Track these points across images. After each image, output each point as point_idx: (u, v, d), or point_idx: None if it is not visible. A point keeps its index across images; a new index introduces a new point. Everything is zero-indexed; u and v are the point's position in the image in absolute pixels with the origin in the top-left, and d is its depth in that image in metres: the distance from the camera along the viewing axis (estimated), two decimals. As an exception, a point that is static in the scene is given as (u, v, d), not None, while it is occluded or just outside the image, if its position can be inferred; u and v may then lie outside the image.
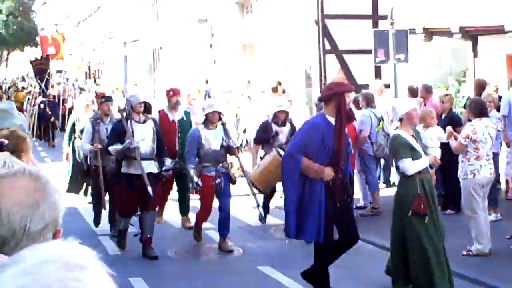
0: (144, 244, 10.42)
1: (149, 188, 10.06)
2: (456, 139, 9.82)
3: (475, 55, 17.39)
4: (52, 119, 27.73)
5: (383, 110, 13.61)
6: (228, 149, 10.79)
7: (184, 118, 12.21)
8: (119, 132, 10.45)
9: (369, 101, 12.86)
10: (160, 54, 34.08)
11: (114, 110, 12.28)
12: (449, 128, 10.09)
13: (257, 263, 10.02)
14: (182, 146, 11.62)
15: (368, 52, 17.70)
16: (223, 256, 10.49)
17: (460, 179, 9.88)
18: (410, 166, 8.06)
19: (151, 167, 10.40)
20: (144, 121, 10.62)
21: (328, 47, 20.09)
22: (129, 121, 10.49)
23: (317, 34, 20.06)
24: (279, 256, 10.39)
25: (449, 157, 10.68)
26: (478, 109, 9.89)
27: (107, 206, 11.59)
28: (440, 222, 8.24)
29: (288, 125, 12.06)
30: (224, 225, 10.62)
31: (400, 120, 8.26)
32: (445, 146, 10.67)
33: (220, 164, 10.66)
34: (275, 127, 11.94)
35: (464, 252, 9.66)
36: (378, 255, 9.81)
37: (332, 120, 7.83)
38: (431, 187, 8.18)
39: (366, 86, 16.36)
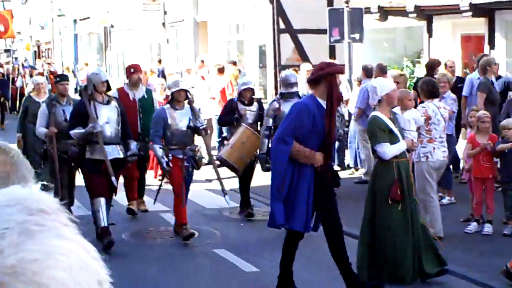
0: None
1: (113, 179, 9.57)
2: None
3: (430, 35, 17.43)
4: (1, 99, 26.73)
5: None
6: (194, 130, 10.26)
7: (146, 96, 11.56)
8: (81, 115, 9.71)
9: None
10: (112, 33, 33.61)
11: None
12: None
13: (212, 246, 9.92)
14: (144, 127, 11.05)
15: (322, 31, 17.67)
16: (178, 239, 10.34)
17: (414, 162, 9.72)
18: (388, 150, 7.79)
19: (116, 152, 9.83)
20: (108, 102, 9.92)
21: (282, 26, 19.99)
22: (91, 102, 9.79)
23: (272, 12, 19.95)
24: (234, 239, 10.31)
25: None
26: (429, 90, 9.73)
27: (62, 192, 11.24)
28: (417, 208, 7.97)
29: (255, 104, 11.48)
30: (180, 208, 10.39)
31: (379, 101, 7.99)
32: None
33: (188, 147, 10.18)
34: (241, 107, 11.32)
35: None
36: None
37: (323, 102, 7.44)
38: (407, 173, 7.91)
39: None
